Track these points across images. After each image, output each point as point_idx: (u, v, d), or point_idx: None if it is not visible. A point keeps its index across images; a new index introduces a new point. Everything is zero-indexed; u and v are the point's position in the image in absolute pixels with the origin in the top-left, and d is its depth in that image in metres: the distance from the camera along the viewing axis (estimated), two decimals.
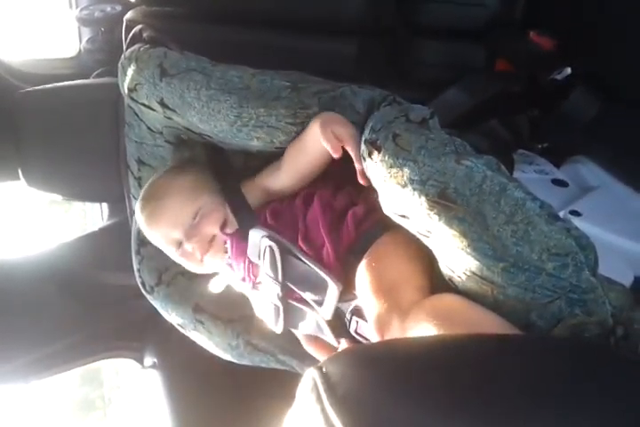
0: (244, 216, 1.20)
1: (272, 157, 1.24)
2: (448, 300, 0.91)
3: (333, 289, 1.07)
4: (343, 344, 1.11)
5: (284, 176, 1.21)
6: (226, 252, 1.21)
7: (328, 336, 1.16)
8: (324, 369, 0.58)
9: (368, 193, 1.07)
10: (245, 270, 1.20)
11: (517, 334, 0.84)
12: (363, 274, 1.03)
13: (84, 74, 2.01)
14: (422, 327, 0.84)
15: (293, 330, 1.24)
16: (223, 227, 1.19)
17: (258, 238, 1.14)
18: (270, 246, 1.12)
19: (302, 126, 1.15)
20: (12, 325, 1.72)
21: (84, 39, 2.18)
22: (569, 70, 1.28)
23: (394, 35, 1.51)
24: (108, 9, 1.99)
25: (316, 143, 1.10)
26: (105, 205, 2.20)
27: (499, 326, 0.86)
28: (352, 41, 1.46)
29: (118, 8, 1.98)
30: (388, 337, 0.91)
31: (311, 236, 1.13)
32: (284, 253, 1.12)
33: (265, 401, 1.50)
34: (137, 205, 1.27)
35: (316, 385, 0.55)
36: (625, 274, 1.23)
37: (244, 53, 1.28)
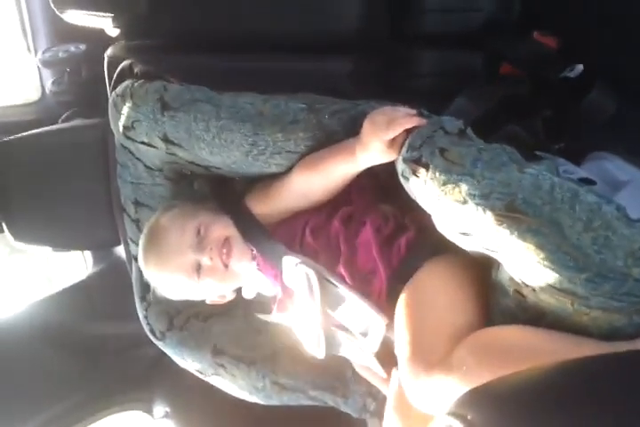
0: (255, 234, 1.14)
1: None
2: (484, 338, 0.89)
3: (379, 322, 1.02)
4: (395, 374, 1.05)
5: (305, 193, 1.13)
6: (253, 256, 1.14)
7: (375, 367, 1.10)
8: (468, 417, 0.52)
9: (414, 213, 1.01)
10: (279, 285, 1.15)
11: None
12: (399, 311, 0.99)
13: (50, 118, 1.95)
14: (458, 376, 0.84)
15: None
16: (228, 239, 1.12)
17: (292, 265, 1.08)
18: (307, 273, 1.06)
19: (322, 148, 1.10)
20: (10, 391, 1.61)
21: (46, 82, 2.10)
22: (581, 67, 1.26)
23: (390, 48, 1.47)
24: (72, 49, 1.91)
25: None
26: (87, 252, 2.10)
27: (557, 345, 0.83)
28: (348, 58, 1.43)
29: (82, 47, 1.91)
30: (411, 386, 0.92)
31: (359, 261, 1.07)
32: (322, 279, 1.06)
33: None
34: (139, 254, 1.18)
35: None
36: None
37: (238, 80, 1.22)
